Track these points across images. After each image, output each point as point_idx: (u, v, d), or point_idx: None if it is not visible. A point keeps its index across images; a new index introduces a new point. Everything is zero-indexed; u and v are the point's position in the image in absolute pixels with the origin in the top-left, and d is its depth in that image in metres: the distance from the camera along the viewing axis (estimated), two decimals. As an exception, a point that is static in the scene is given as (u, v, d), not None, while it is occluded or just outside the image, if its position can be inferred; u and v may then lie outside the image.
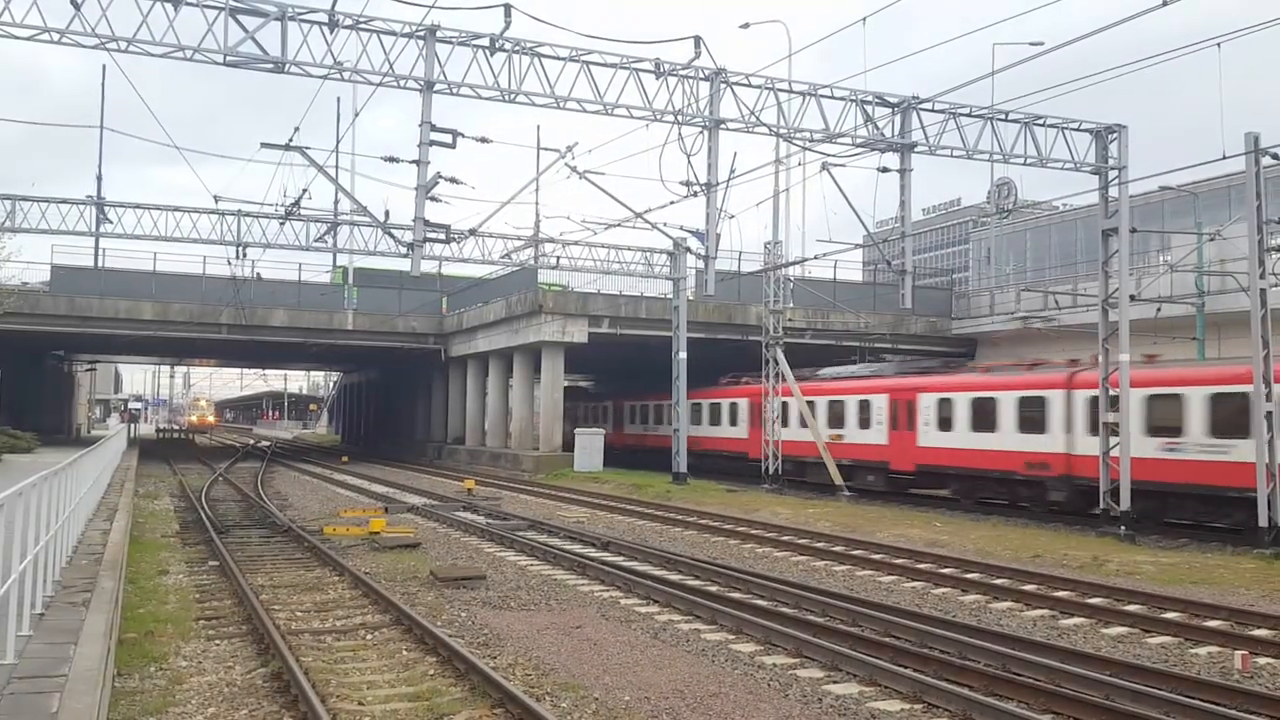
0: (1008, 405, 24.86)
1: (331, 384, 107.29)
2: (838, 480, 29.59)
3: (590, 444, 37.07)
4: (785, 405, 32.48)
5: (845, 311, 39.35)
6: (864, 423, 29.74)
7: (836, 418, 30.86)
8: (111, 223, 31.56)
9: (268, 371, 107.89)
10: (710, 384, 37.76)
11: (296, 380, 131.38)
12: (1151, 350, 24.58)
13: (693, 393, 34.99)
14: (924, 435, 27.27)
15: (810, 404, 31.62)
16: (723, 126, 21.16)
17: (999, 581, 14.85)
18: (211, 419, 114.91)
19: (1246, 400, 19.12)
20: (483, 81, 19.48)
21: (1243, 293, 23.18)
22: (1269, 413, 18.57)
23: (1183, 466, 20.82)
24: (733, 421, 36.24)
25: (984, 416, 25.46)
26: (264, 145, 23.58)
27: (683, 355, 33.10)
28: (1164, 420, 21.38)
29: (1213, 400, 20.51)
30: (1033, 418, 24.22)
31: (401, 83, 19.16)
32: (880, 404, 29.09)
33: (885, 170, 21.88)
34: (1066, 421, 23.45)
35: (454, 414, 50.09)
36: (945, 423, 26.64)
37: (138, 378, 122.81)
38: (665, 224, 32.31)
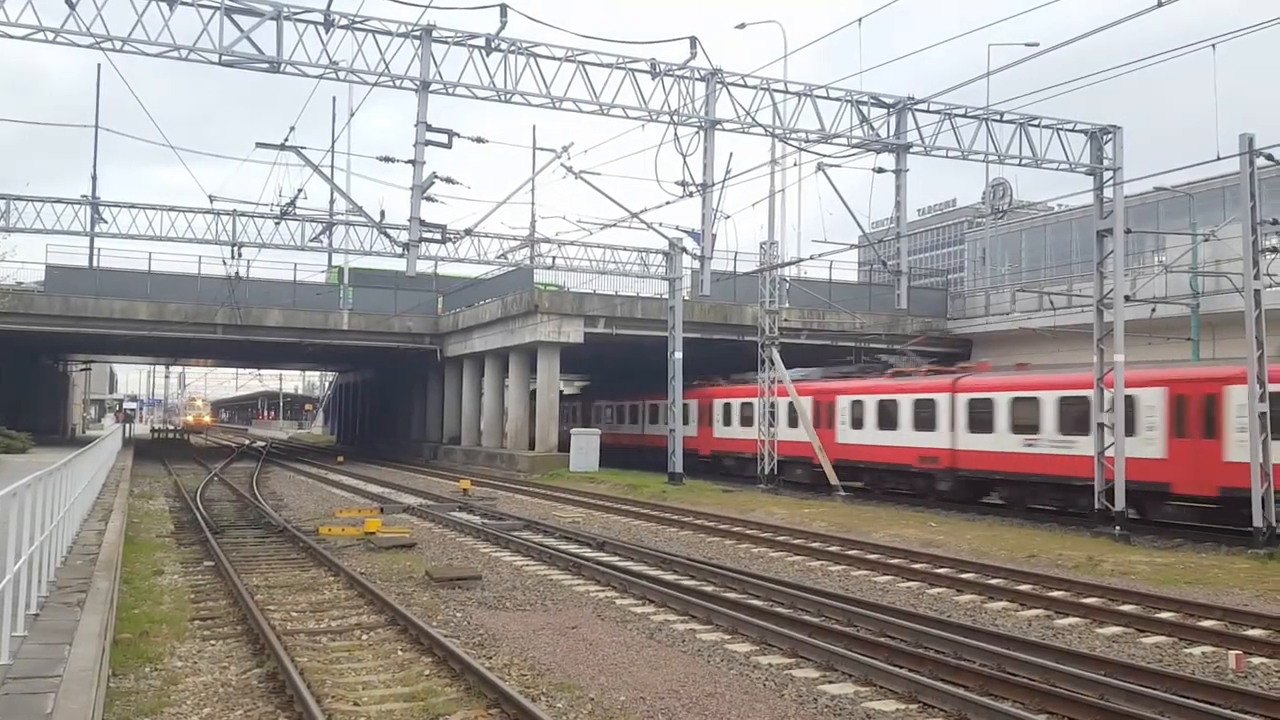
0: (906, 407, 28.10)
1: (327, 384, 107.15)
2: (833, 480, 29.65)
3: (586, 444, 37.07)
4: (728, 406, 35.65)
5: (841, 312, 39.42)
6: (793, 421, 32.39)
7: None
8: (106, 222, 31.52)
9: (263, 371, 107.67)
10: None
11: (292, 380, 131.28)
12: (1146, 351, 24.84)
13: (657, 395, 37.92)
14: (841, 433, 30.37)
15: (748, 404, 33.95)
16: (718, 127, 21.17)
17: (994, 581, 14.87)
18: (208, 419, 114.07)
19: (1087, 403, 22.04)
20: (478, 81, 19.47)
21: (1237, 293, 23.26)
22: (1263, 413, 18.63)
23: (1039, 460, 23.92)
24: (684, 421, 37.48)
25: (887, 417, 28.69)
26: (259, 145, 23.56)
27: (678, 355, 33.11)
28: (1024, 420, 24.38)
29: (1061, 403, 23.52)
30: (924, 418, 27.35)
31: (397, 83, 19.14)
32: (805, 405, 31.85)
33: (880, 171, 21.90)
34: (951, 421, 26.45)
35: (450, 414, 50.06)
36: (858, 422, 29.91)
37: (133, 378, 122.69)
38: (661, 224, 32.39)
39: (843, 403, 30.46)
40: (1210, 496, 20.61)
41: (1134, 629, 11.84)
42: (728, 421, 36.10)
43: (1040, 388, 24.29)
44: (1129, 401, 21.35)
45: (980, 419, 25.62)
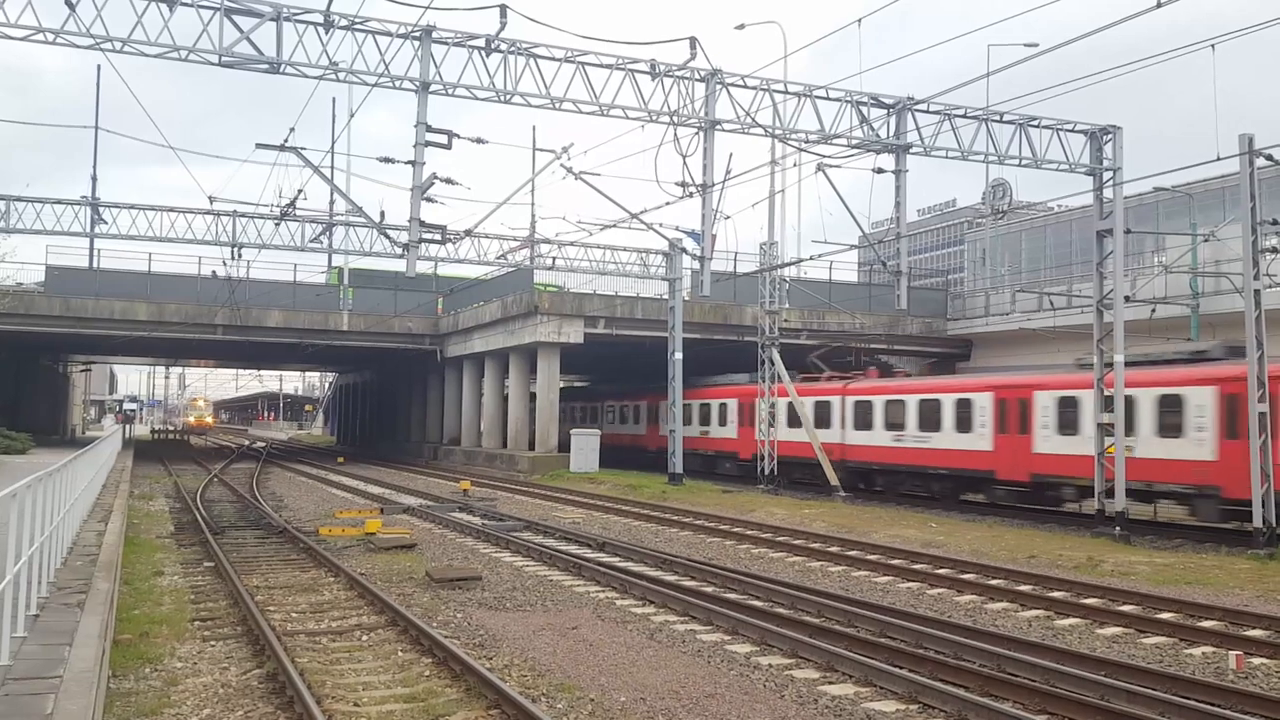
0: (808, 408, 31.79)
1: (327, 385, 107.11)
2: (833, 481, 29.65)
3: (586, 444, 37.06)
4: (688, 407, 36.97)
5: (841, 312, 39.41)
6: (723, 421, 36.84)
7: (704, 417, 37.83)
8: (106, 223, 31.51)
9: (263, 372, 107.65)
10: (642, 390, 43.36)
11: (292, 381, 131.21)
12: (1145, 348, 25.09)
13: (648, 396, 41.00)
14: (759, 430, 32.98)
15: (688, 407, 35.99)
16: (718, 127, 21.17)
17: (994, 582, 14.87)
18: (209, 420, 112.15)
19: (939, 404, 27.24)
20: (478, 82, 19.47)
21: (1237, 294, 23.26)
22: (1262, 413, 18.64)
23: (905, 452, 28.61)
24: (636, 420, 42.13)
25: (795, 416, 32.06)
26: (259, 146, 23.53)
27: (679, 356, 33.11)
28: (894, 419, 29.02)
29: (920, 404, 28.10)
30: (822, 417, 31.72)
31: (397, 83, 19.15)
32: (732, 406, 36.16)
33: (880, 171, 21.91)
34: (842, 420, 31.12)
35: (450, 415, 50.05)
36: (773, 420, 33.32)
37: (133, 378, 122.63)
38: (661, 225, 32.40)
39: (761, 405, 33.17)
40: (1023, 481, 24.97)
41: (1134, 629, 11.84)
42: (705, 421, 38.59)
43: (905, 392, 29.14)
44: (966, 404, 26.37)
45: (863, 419, 30.35)
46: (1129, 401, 21.22)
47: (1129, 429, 21.20)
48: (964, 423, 26.44)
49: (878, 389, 30.31)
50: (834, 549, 18.41)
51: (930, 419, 27.52)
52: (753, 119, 21.27)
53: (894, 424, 28.90)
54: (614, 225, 31.20)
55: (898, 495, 28.93)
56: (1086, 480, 21.90)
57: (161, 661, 9.57)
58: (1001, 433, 25.33)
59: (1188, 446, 20.98)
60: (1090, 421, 21.95)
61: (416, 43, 19.01)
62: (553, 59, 19.93)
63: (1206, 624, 12.08)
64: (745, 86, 21.34)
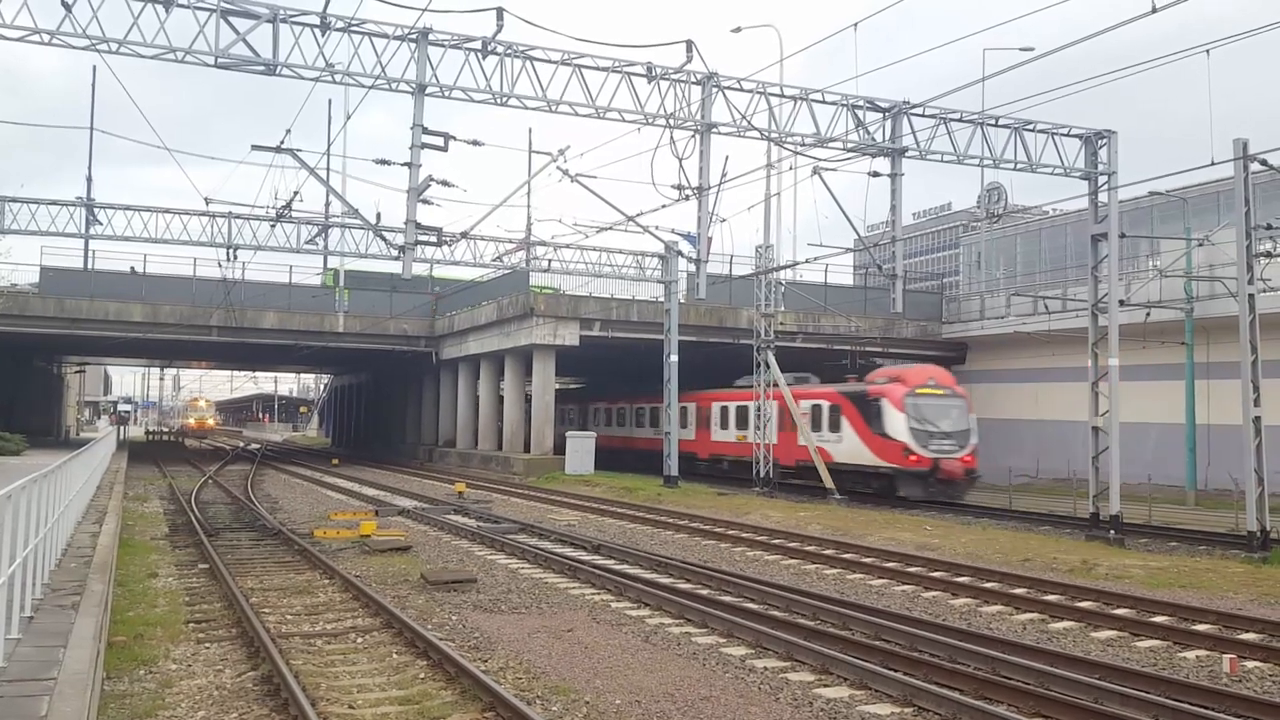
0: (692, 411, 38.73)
1: (322, 386, 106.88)
2: (828, 484, 29.65)
3: (581, 447, 37.03)
4: (654, 411, 40.94)
5: (836, 315, 39.43)
6: (683, 424, 40.30)
7: (619, 419, 44.73)
8: (101, 224, 31.52)
9: (258, 374, 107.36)
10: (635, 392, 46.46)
11: (286, 382, 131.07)
12: (1140, 355, 25.14)
13: (637, 398, 44.50)
14: (750, 434, 36.02)
15: (653, 411, 40.60)
16: (714, 130, 21.21)
17: (989, 585, 14.89)
18: (211, 422, 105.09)
19: (747, 409, 33.72)
20: (475, 84, 19.49)
21: (1231, 298, 23.33)
22: (1257, 417, 18.70)
23: (737, 446, 35.24)
24: (621, 422, 46.52)
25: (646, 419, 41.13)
26: (255, 147, 23.48)
27: (674, 359, 33.12)
28: (734, 420, 36.47)
29: (736, 410, 35.83)
30: (685, 419, 37.61)
31: (393, 85, 19.15)
32: (691, 409, 39.93)
33: (876, 175, 21.95)
34: (706, 421, 38.50)
35: (445, 417, 50.01)
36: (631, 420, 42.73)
37: (127, 379, 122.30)
38: (657, 227, 32.33)
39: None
40: (791, 466, 32.27)
41: (1128, 633, 11.87)
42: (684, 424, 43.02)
43: (731, 399, 36.58)
44: (757, 409, 32.61)
45: (713, 420, 37.93)
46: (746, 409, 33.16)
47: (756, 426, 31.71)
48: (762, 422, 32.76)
49: (717, 397, 38.09)
50: (829, 552, 18.43)
51: (743, 420, 35.09)
52: (749, 122, 21.31)
53: (732, 424, 36.95)
54: (610, 228, 31.21)
55: (897, 499, 28.89)
56: (737, 457, 34.05)
57: (156, 664, 9.55)
58: (781, 430, 32.59)
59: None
60: (734, 421, 35.72)
61: (413, 45, 19.01)
62: (549, 61, 19.95)
63: (1201, 627, 12.10)
64: (741, 90, 21.37)
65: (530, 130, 76.34)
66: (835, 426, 30.92)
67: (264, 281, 43.84)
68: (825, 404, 31.59)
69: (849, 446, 30.20)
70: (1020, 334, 36.00)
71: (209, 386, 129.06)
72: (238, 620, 11.46)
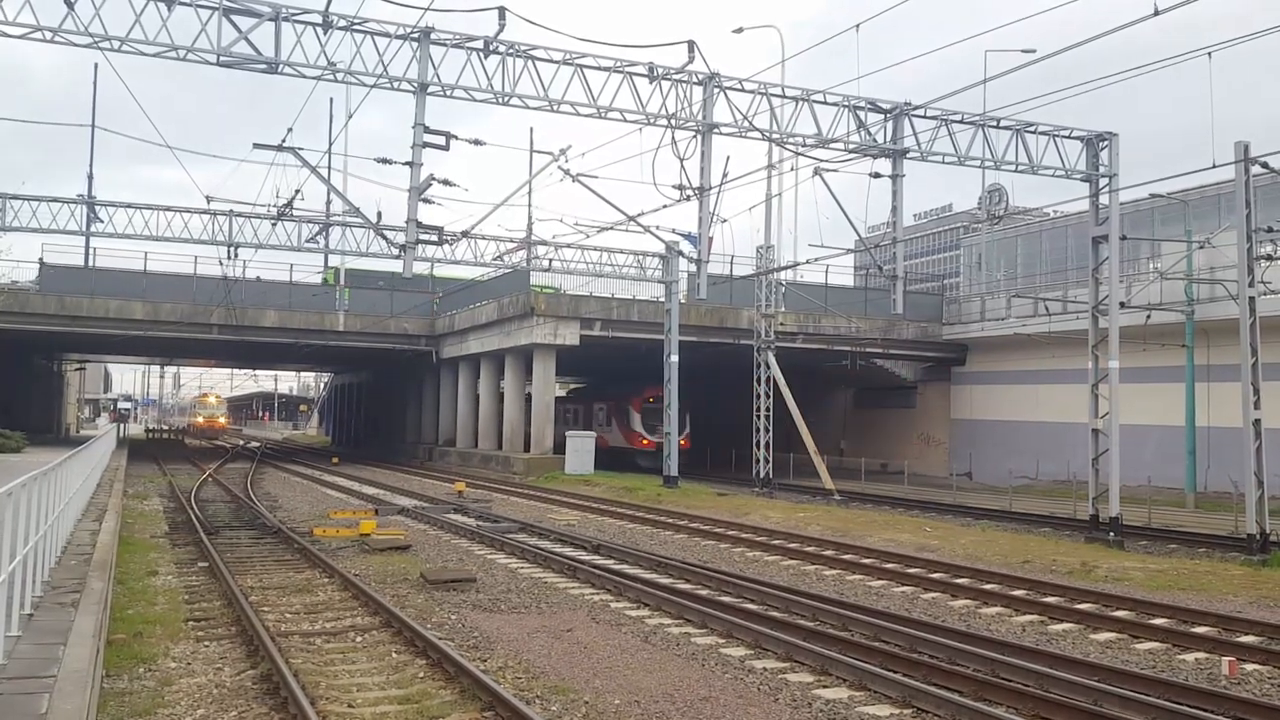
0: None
1: (322, 385, 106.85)
2: (828, 484, 29.67)
3: (581, 446, 37.04)
4: (601, 409, 47.43)
5: (837, 316, 39.45)
6: (607, 423, 46.18)
7: (605, 420, 46.64)
8: (102, 222, 31.49)
9: (258, 372, 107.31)
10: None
11: (287, 381, 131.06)
12: (1140, 358, 25.17)
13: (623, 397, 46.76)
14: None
15: (601, 409, 46.83)
16: (716, 131, 21.22)
17: (988, 586, 14.89)
18: (223, 421, 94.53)
19: (625, 408, 42.90)
20: (476, 84, 19.50)
21: (1232, 300, 23.33)
22: (1257, 419, 18.70)
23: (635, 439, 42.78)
24: (608, 422, 48.53)
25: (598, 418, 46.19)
26: (256, 146, 23.51)
27: (675, 359, 33.11)
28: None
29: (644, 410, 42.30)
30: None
31: (395, 84, 19.17)
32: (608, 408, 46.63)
33: (877, 176, 21.96)
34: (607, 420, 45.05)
35: (445, 416, 50.02)
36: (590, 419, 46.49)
37: (128, 377, 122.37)
38: (658, 227, 32.32)
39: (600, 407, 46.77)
40: (606, 448, 40.06)
41: (1128, 635, 11.86)
42: (607, 423, 46.90)
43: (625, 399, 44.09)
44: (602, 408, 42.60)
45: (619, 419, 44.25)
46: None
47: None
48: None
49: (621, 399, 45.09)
50: (829, 553, 18.42)
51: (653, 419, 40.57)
52: (750, 123, 21.32)
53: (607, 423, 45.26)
54: (611, 227, 31.19)
55: (896, 500, 28.88)
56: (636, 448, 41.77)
57: (156, 661, 9.55)
58: (609, 427, 43.79)
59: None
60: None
61: (415, 44, 19.02)
62: (551, 61, 19.95)
63: (1199, 630, 12.10)
64: (743, 90, 21.38)
65: (532, 130, 76.32)
66: (608, 423, 45.52)
67: (265, 280, 43.87)
68: (606, 406, 46.43)
69: (615, 435, 44.62)
70: (1020, 335, 36.00)
71: (209, 385, 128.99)
72: (237, 618, 11.46)
